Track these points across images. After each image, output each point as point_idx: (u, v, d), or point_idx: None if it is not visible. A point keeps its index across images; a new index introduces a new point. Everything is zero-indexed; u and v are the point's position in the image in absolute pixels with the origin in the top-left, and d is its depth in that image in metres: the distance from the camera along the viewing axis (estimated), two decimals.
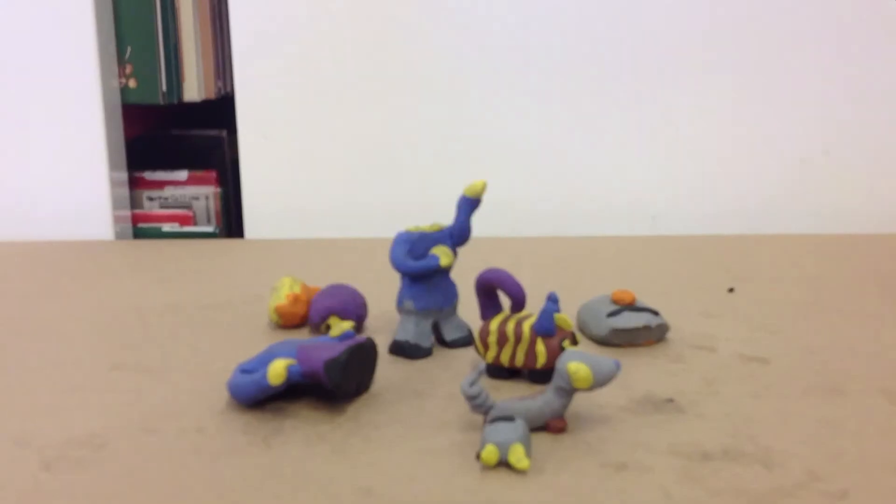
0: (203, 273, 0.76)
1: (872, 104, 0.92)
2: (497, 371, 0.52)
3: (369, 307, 0.60)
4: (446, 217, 0.94)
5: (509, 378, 0.51)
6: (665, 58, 0.90)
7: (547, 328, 0.49)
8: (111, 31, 0.87)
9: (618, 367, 0.41)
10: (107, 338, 0.60)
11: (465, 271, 0.64)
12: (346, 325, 0.54)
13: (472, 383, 0.42)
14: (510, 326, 0.50)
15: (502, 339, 0.50)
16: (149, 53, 0.87)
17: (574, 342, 0.50)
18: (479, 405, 0.42)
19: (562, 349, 0.48)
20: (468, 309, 0.61)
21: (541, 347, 0.49)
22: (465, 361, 0.54)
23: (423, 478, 0.39)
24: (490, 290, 0.52)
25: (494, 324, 0.51)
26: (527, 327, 0.49)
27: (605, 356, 0.42)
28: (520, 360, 0.50)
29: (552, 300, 0.49)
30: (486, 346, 0.51)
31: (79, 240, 0.91)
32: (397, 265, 0.54)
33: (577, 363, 0.41)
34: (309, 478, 0.40)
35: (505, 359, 0.50)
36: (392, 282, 0.63)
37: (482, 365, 0.44)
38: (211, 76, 0.92)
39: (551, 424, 0.42)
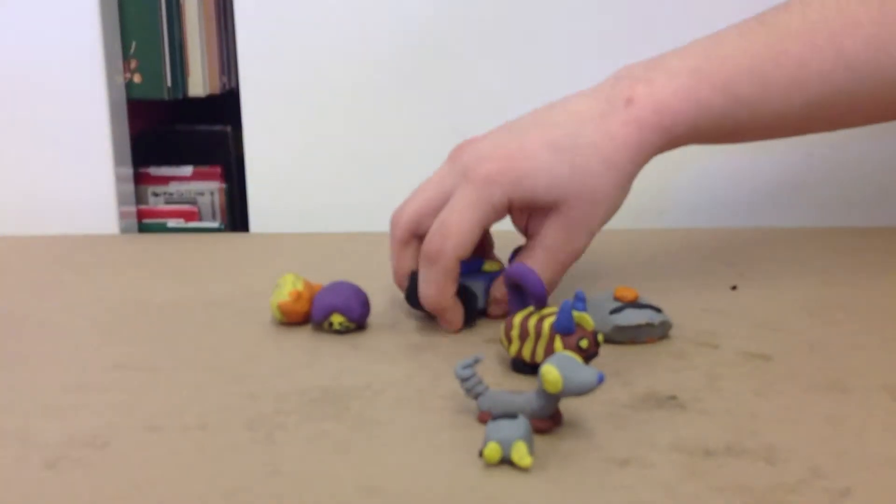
0: (207, 268, 0.76)
1: None
2: (520, 365, 0.52)
3: (372, 304, 0.60)
4: None
5: (532, 374, 0.51)
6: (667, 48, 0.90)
7: (565, 326, 0.48)
8: (116, 27, 0.87)
9: (599, 379, 0.40)
10: (110, 334, 0.60)
11: None
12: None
13: (466, 367, 0.44)
14: (532, 322, 0.50)
15: (524, 334, 0.50)
16: (154, 49, 0.87)
17: (595, 342, 0.49)
18: (469, 388, 0.44)
19: (579, 348, 0.48)
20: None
21: (558, 345, 0.49)
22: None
23: (425, 475, 0.40)
24: (516, 285, 0.52)
25: (518, 318, 0.51)
26: (547, 324, 0.49)
27: (593, 367, 0.41)
28: (539, 356, 0.50)
29: (579, 299, 0.49)
30: (509, 340, 0.51)
31: (82, 234, 0.91)
32: None
33: (550, 366, 0.41)
34: (312, 475, 0.40)
35: (526, 354, 0.50)
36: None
37: (481, 354, 0.44)
38: (216, 71, 0.92)
39: (534, 423, 0.42)
